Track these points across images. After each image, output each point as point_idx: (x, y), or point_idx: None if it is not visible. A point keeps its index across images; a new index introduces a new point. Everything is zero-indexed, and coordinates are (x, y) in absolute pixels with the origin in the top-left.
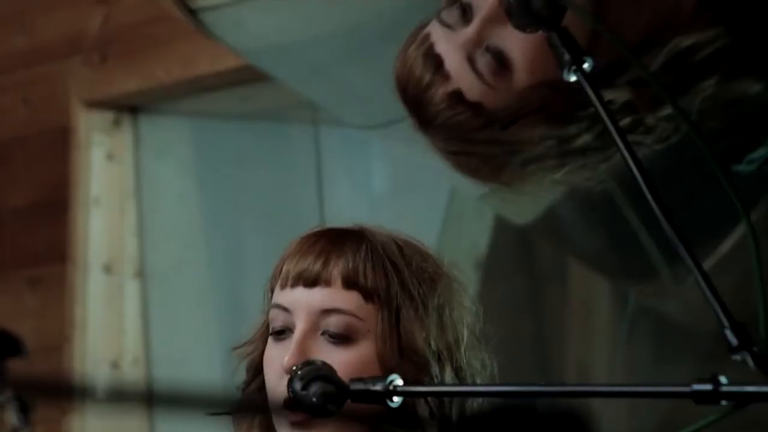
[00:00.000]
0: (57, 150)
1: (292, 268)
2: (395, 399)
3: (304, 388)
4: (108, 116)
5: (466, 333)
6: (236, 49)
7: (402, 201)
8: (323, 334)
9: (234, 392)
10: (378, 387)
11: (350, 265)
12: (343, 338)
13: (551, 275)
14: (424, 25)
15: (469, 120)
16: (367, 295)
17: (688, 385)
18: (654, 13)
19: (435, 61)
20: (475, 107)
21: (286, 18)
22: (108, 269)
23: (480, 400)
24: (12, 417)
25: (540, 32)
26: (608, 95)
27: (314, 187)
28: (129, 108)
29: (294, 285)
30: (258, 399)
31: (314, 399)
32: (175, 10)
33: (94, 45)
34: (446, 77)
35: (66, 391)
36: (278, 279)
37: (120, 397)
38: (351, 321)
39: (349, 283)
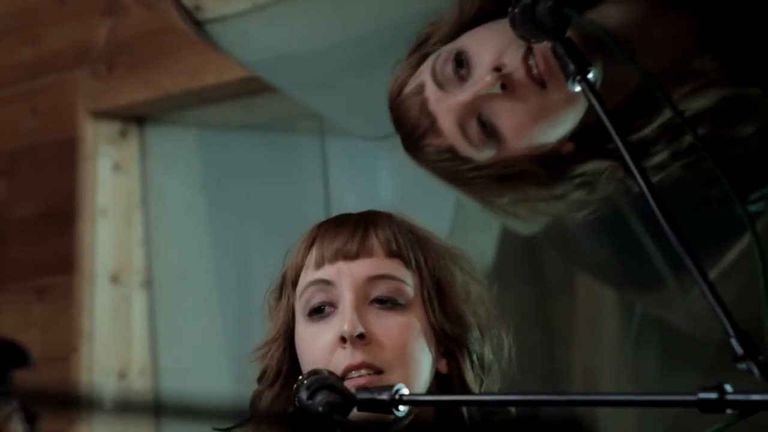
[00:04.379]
0: (64, 160)
1: (326, 246)
2: (401, 408)
3: (310, 397)
4: (115, 127)
5: (487, 312)
6: (242, 61)
7: (408, 210)
8: (372, 302)
9: (243, 401)
10: (384, 396)
11: (389, 235)
12: (394, 303)
13: (558, 285)
14: (419, 49)
15: (463, 171)
16: (408, 263)
17: (694, 393)
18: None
19: (429, 117)
20: (468, 161)
21: (291, 30)
22: (115, 280)
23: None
24: (18, 427)
25: (545, 43)
26: (594, 165)
27: (321, 196)
28: (136, 119)
29: (333, 260)
30: (280, 410)
31: (320, 408)
32: (181, 23)
33: (101, 56)
34: (439, 133)
35: (73, 402)
36: (302, 266)
37: (127, 407)
38: (400, 285)
39: (392, 252)
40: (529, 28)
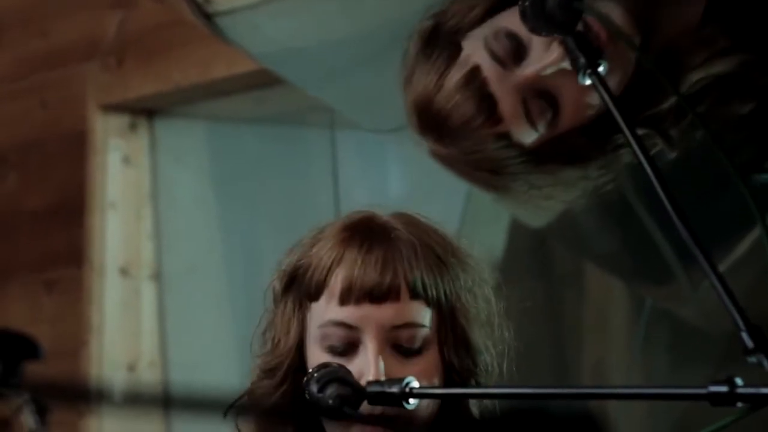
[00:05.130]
0: (74, 154)
1: (354, 282)
2: (411, 401)
3: (321, 390)
4: (124, 120)
5: (494, 313)
6: (252, 54)
7: (418, 204)
8: (393, 347)
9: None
10: (394, 389)
11: (415, 273)
12: (411, 348)
13: (568, 278)
14: (449, 47)
15: (509, 158)
16: (429, 301)
17: (704, 387)
18: (664, 38)
19: (489, 102)
20: (518, 146)
21: (301, 22)
22: (124, 273)
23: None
24: (29, 420)
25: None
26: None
27: (330, 190)
28: (145, 112)
29: (359, 302)
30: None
31: (330, 401)
32: (191, 16)
33: (110, 49)
34: (498, 120)
35: (82, 394)
36: (324, 290)
37: (136, 400)
38: (420, 332)
39: (416, 293)
40: (539, 22)
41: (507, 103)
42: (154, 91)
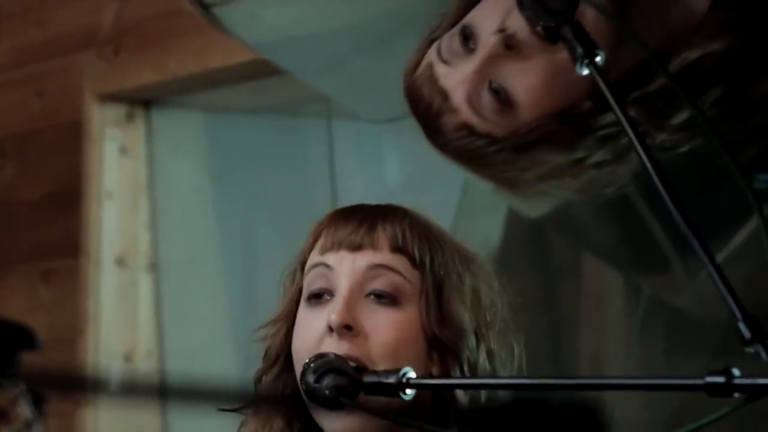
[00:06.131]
0: (70, 143)
1: (332, 235)
2: (408, 391)
3: (317, 380)
4: (121, 110)
5: (498, 317)
6: (249, 43)
7: (415, 194)
8: (368, 295)
9: (248, 384)
10: (391, 379)
11: (397, 230)
12: (390, 298)
13: (565, 268)
14: (431, 39)
15: (482, 147)
16: (414, 261)
17: (701, 377)
18: (664, 26)
19: (441, 93)
20: (486, 136)
21: (298, 11)
22: (121, 263)
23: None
24: (25, 410)
25: (552, 26)
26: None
27: (327, 180)
28: (142, 101)
29: (337, 249)
30: (278, 391)
31: (327, 392)
32: (188, 5)
33: (107, 38)
34: (453, 109)
35: (79, 384)
36: (312, 250)
37: (133, 390)
38: (399, 281)
39: (397, 247)
40: (537, 11)
41: (457, 98)
42: (151, 81)
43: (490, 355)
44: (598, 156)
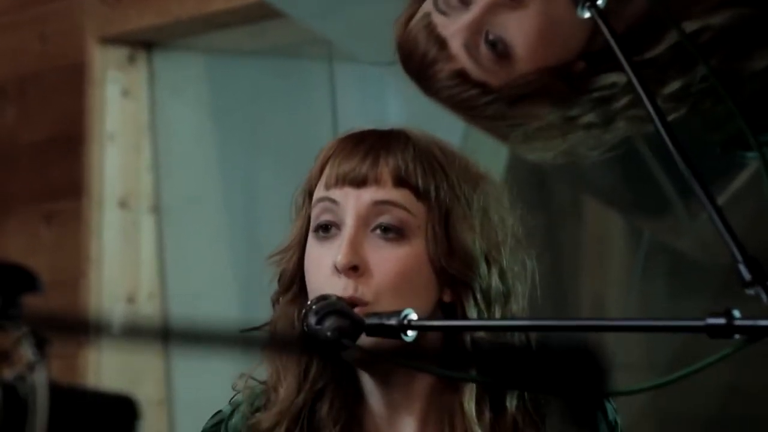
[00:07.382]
0: (72, 86)
1: (337, 168)
2: (410, 333)
3: (319, 322)
4: (123, 52)
5: (509, 234)
6: None
7: None
8: (374, 230)
9: (251, 323)
10: (393, 321)
11: (400, 163)
12: (396, 232)
13: (567, 211)
14: None
15: (475, 97)
16: (418, 193)
17: (702, 319)
18: None
19: (438, 40)
20: (481, 86)
21: None
22: (123, 204)
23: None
24: (28, 352)
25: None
26: (611, 78)
27: (329, 122)
28: (144, 44)
29: (341, 185)
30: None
31: (329, 333)
32: None
33: None
34: (450, 57)
35: (82, 327)
36: (319, 180)
37: (135, 332)
38: (404, 215)
39: (401, 180)
40: None
41: (454, 46)
42: (153, 23)
43: (502, 275)
44: (590, 117)
